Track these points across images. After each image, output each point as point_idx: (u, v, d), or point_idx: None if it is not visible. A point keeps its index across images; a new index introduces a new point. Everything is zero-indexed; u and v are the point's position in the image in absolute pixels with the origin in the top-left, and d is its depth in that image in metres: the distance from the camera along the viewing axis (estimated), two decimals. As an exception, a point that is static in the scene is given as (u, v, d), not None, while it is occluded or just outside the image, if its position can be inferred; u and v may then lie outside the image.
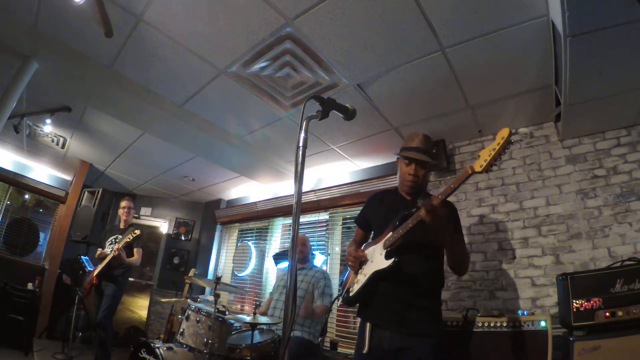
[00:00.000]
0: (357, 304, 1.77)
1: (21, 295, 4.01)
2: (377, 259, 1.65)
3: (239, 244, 5.37)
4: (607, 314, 1.78)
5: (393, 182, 3.23)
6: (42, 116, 3.59)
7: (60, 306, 4.42)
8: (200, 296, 4.54)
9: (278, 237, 4.91)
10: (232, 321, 2.81)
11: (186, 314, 2.74)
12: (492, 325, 2.12)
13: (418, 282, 1.62)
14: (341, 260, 3.88)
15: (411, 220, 1.53)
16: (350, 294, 1.74)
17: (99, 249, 3.57)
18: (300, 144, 1.13)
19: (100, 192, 4.76)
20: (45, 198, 5.41)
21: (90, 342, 4.36)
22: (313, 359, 2.83)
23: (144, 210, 5.93)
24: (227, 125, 3.53)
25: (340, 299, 1.85)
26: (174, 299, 3.48)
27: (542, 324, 1.97)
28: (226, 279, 5.20)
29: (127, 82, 2.92)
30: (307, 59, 2.47)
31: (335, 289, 3.20)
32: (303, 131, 1.15)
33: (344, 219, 4.12)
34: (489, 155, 1.36)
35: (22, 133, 3.92)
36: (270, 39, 2.33)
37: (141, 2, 2.15)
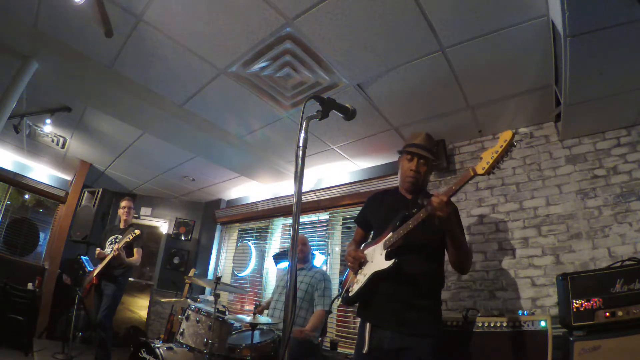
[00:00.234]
0: (357, 304, 1.77)
1: (21, 295, 4.01)
2: (377, 259, 1.65)
3: (239, 244, 5.37)
4: (607, 314, 1.78)
5: (393, 182, 3.23)
6: (42, 116, 3.59)
7: (60, 306, 4.42)
8: (200, 296, 4.54)
9: (278, 237, 4.91)
10: (232, 321, 2.81)
11: (186, 314, 2.74)
12: (492, 325, 2.12)
13: (418, 282, 1.61)
14: (341, 260, 3.88)
15: (412, 221, 1.53)
16: (350, 294, 1.74)
17: (98, 249, 3.57)
18: (300, 144, 1.13)
19: (100, 192, 4.76)
20: (45, 198, 5.41)
21: (90, 342, 4.36)
22: (313, 359, 2.83)
23: (144, 210, 5.93)
24: (227, 125, 3.53)
25: (340, 299, 1.85)
26: (174, 299, 3.47)
27: (542, 324, 1.97)
28: (226, 279, 5.20)
29: (127, 82, 2.92)
30: (307, 59, 2.47)
31: (335, 290, 3.20)
32: (303, 131, 1.15)
33: (344, 219, 4.12)
34: (492, 158, 1.36)
35: (22, 133, 3.91)
36: (270, 39, 2.33)
37: (141, 2, 2.15)
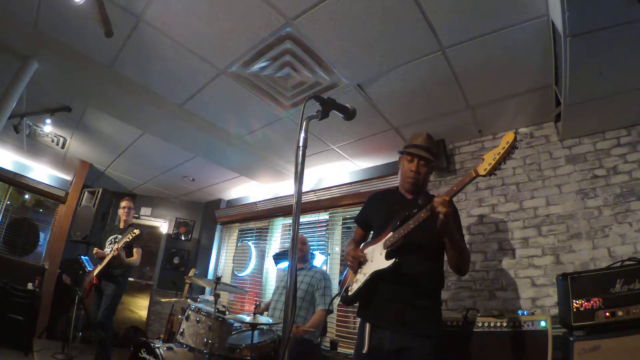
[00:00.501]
0: (357, 304, 1.77)
1: (21, 295, 4.01)
2: (377, 259, 1.65)
3: (239, 244, 5.37)
4: (607, 314, 1.78)
5: (393, 182, 3.23)
6: (42, 116, 3.59)
7: (60, 306, 4.41)
8: (200, 296, 4.54)
9: (278, 237, 4.91)
10: (232, 321, 2.80)
11: (186, 314, 2.74)
12: (492, 325, 2.12)
13: (418, 282, 1.61)
14: (341, 260, 3.89)
15: (413, 220, 1.53)
16: (349, 293, 1.74)
17: (95, 248, 3.56)
18: (300, 144, 1.13)
19: (100, 192, 4.75)
20: (45, 198, 5.41)
21: (90, 342, 4.36)
22: (313, 359, 2.83)
23: (144, 210, 5.93)
24: (227, 125, 3.53)
25: (339, 298, 1.85)
26: (174, 299, 3.47)
27: (542, 324, 1.96)
28: (226, 279, 5.20)
29: (127, 82, 2.92)
30: (307, 59, 2.47)
31: (335, 290, 3.20)
32: (303, 131, 1.15)
33: (344, 219, 4.12)
34: (494, 160, 1.36)
35: (22, 133, 3.91)
36: (270, 39, 2.33)
37: (141, 2, 2.15)
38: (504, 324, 2.08)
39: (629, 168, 2.43)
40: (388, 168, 3.75)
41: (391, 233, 1.62)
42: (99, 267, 3.44)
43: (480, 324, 2.15)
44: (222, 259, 5.56)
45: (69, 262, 4.61)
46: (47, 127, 3.85)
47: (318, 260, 3.85)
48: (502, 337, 2.06)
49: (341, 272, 3.73)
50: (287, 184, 4.72)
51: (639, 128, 2.46)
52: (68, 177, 5.55)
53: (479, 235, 2.91)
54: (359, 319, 1.76)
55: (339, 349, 3.20)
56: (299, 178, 1.11)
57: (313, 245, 4.05)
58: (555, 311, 2.30)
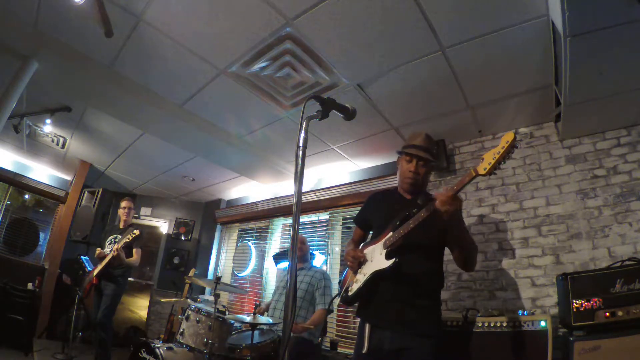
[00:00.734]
0: (356, 304, 1.77)
1: (21, 295, 4.01)
2: (377, 258, 1.65)
3: (239, 244, 5.37)
4: (607, 314, 1.79)
5: (393, 182, 3.23)
6: (42, 116, 3.59)
7: (60, 306, 4.41)
8: (200, 296, 4.54)
9: (278, 237, 4.91)
10: (232, 321, 2.80)
11: (186, 314, 2.74)
12: (492, 325, 2.12)
13: (418, 282, 1.61)
14: (341, 260, 3.89)
15: (413, 220, 1.53)
16: (349, 293, 1.74)
17: (98, 249, 3.57)
18: (300, 144, 1.13)
19: (100, 192, 4.76)
20: (45, 198, 5.41)
21: (90, 342, 4.36)
22: (313, 359, 2.83)
23: (144, 210, 5.93)
24: (227, 125, 3.53)
25: (339, 298, 1.85)
26: (174, 299, 3.47)
27: (542, 324, 1.97)
28: (226, 279, 5.20)
29: (127, 82, 2.92)
30: (307, 59, 2.47)
31: (335, 290, 3.20)
32: (303, 131, 1.14)
33: (344, 219, 4.12)
34: (493, 159, 1.36)
35: (22, 133, 3.91)
36: (270, 39, 2.33)
37: (141, 2, 2.15)
38: (504, 324, 2.08)
39: (629, 168, 2.43)
40: (388, 168, 3.75)
41: (391, 233, 1.62)
42: (99, 267, 3.44)
43: (480, 324, 2.15)
44: (222, 259, 5.56)
45: (69, 262, 4.61)
46: (47, 127, 3.85)
47: (318, 260, 3.85)
48: (502, 337, 2.06)
49: (341, 272, 3.73)
50: (287, 184, 4.72)
51: (639, 128, 2.47)
52: (68, 177, 5.55)
53: (479, 235, 2.90)
54: (358, 319, 1.76)
55: (339, 349, 3.20)
56: (299, 178, 1.11)
57: (313, 245, 4.05)
58: (555, 311, 2.30)
